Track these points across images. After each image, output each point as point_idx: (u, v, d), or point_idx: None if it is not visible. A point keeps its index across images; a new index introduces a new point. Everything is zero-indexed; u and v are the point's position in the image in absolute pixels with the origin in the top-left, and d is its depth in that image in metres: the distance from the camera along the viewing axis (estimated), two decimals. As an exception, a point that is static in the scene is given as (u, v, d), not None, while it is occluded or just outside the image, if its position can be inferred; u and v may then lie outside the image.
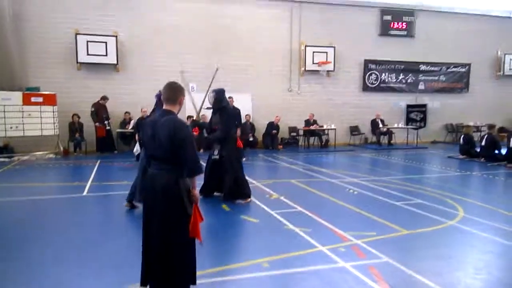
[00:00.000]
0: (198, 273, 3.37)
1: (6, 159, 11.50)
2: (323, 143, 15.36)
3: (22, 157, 11.92)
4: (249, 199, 6.65)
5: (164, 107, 3.23)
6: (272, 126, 14.93)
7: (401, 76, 17.15)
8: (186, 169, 3.07)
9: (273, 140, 14.86)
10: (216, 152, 6.62)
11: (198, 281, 3.35)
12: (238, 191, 6.60)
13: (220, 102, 6.55)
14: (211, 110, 6.86)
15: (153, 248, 3.14)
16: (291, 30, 15.48)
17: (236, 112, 6.67)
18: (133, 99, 13.44)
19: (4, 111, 11.49)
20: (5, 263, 4.08)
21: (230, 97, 10.39)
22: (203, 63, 14.18)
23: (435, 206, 6.39)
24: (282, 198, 6.90)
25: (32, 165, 10.70)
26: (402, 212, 6.08)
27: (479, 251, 4.50)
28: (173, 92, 3.23)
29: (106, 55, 13.28)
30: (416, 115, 17.03)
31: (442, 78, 17.65)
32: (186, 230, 3.12)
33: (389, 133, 16.00)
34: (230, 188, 6.56)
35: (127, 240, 4.77)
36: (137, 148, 9.14)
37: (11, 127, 11.61)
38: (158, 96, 5.48)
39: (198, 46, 14.35)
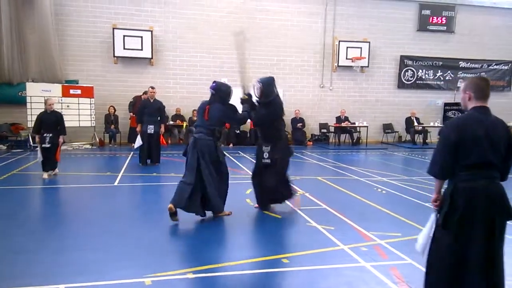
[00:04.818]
0: (216, 265, 3.34)
1: (46, 149, 12.00)
2: (354, 141, 15.10)
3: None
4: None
5: (480, 103, 2.84)
6: (296, 120, 14.84)
7: (439, 73, 16.57)
8: (506, 175, 2.89)
9: (301, 135, 14.77)
10: (266, 154, 5.57)
11: (214, 274, 3.34)
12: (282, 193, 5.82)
13: (268, 96, 5.50)
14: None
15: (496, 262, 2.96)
16: (325, 25, 15.26)
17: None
18: (167, 92, 13.69)
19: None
20: (34, 249, 4.28)
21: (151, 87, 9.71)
22: (235, 58, 14.27)
23: (467, 209, 6.13)
24: (307, 195, 6.84)
25: (69, 155, 11.14)
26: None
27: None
28: (489, 88, 2.89)
29: (142, 49, 13.59)
30: (454, 114, 16.36)
31: (483, 75, 16.88)
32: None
33: (424, 131, 15.51)
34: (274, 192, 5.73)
35: (151, 230, 4.88)
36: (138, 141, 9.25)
37: (50, 118, 12.09)
38: (214, 88, 5.15)
39: (230, 41, 14.36)
